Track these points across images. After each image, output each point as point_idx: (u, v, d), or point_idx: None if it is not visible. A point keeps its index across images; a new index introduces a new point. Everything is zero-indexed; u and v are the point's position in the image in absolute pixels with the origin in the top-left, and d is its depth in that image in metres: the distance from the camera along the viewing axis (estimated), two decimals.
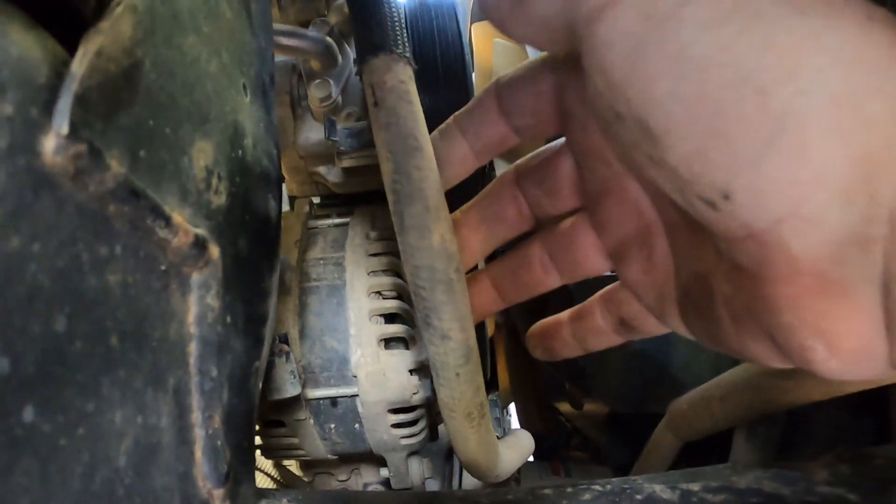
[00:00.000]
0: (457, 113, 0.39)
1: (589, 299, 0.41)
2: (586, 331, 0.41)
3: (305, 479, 0.89)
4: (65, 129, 0.20)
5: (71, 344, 0.21)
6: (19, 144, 0.19)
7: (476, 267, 0.51)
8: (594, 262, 0.38)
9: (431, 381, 0.71)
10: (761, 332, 0.25)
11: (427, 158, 0.37)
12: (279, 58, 0.79)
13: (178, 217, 0.27)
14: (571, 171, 0.37)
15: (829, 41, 0.20)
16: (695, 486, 0.41)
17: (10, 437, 0.19)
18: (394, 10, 0.43)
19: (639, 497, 0.40)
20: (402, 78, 0.39)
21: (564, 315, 0.42)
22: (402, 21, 0.42)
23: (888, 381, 0.22)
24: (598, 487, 0.41)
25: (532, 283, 0.41)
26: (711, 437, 0.65)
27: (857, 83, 0.19)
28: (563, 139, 0.38)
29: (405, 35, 0.41)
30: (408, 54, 0.40)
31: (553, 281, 0.41)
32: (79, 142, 0.20)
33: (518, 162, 0.41)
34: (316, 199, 0.89)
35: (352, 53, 0.80)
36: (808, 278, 0.22)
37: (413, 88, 0.39)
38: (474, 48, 1.09)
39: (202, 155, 0.31)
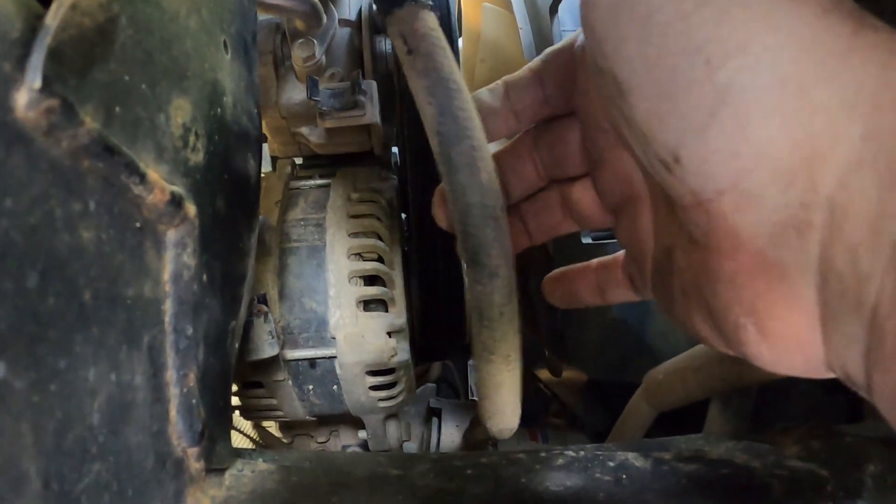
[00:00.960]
0: (506, 77, 0.40)
1: (614, 254, 0.43)
2: (609, 280, 0.42)
3: (284, 440, 0.89)
4: (37, 84, 0.19)
5: (43, 301, 0.21)
6: None
7: None
8: (598, 216, 0.40)
9: (409, 344, 0.72)
10: (704, 308, 0.26)
11: (468, 100, 0.38)
12: (263, 17, 0.78)
13: (153, 174, 0.27)
14: (578, 140, 0.39)
15: (785, 22, 0.20)
16: (667, 455, 0.41)
17: None
18: None
19: (611, 464, 0.40)
20: (431, 25, 0.39)
21: (592, 263, 0.44)
22: None
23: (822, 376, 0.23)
24: (571, 453, 0.41)
25: (553, 224, 0.43)
26: (687, 407, 0.66)
27: (808, 68, 0.20)
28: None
29: None
30: (431, 2, 0.40)
31: (568, 226, 0.43)
32: (52, 96, 0.20)
33: (532, 128, 0.42)
34: (298, 160, 0.89)
35: (335, 14, 0.79)
36: (748, 255, 0.22)
37: (443, 35, 0.39)
38: (463, 11, 1.08)
39: (180, 112, 0.31)
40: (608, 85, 0.25)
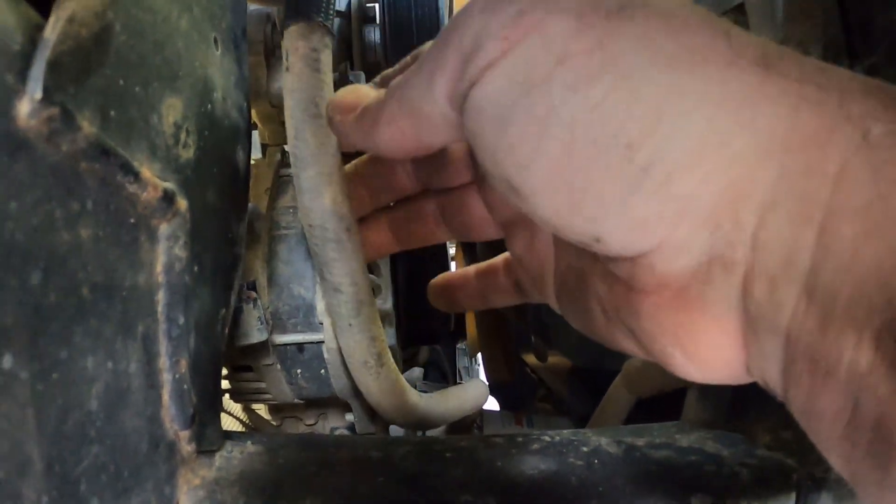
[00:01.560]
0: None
1: (495, 258, 0.43)
2: (489, 287, 0.43)
3: (274, 422, 0.91)
4: (38, 94, 0.21)
5: (45, 296, 0.23)
6: None
7: None
8: (485, 229, 0.40)
9: (395, 329, 0.73)
10: (629, 332, 0.27)
11: (325, 126, 0.39)
12: (253, 7, 0.79)
13: (146, 172, 0.29)
14: (464, 150, 0.39)
15: (694, 87, 0.21)
16: (639, 442, 0.43)
17: None
18: None
19: (585, 449, 0.42)
20: (315, 46, 0.40)
21: (471, 270, 0.44)
22: None
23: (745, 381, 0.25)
24: (547, 438, 0.43)
25: (424, 234, 0.43)
26: (668, 394, 0.68)
27: (723, 121, 0.20)
28: None
29: (332, 3, 0.42)
30: (329, 23, 0.41)
31: (444, 235, 0.43)
32: (52, 105, 0.22)
33: None
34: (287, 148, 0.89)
35: None
36: (670, 292, 0.23)
37: (325, 57, 0.40)
38: (454, 7, 1.09)
39: (171, 111, 0.32)
40: (502, 188, 0.25)
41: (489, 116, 0.23)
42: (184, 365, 0.33)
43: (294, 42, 0.40)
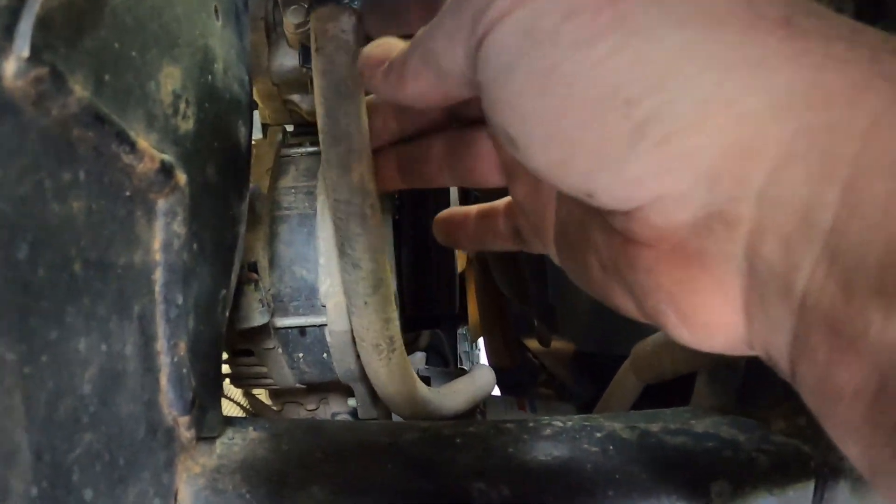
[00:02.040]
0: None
1: (496, 202, 0.42)
2: (488, 230, 0.42)
3: (274, 407, 0.90)
4: (26, 52, 0.19)
5: (34, 272, 0.21)
6: None
7: None
8: (488, 174, 0.39)
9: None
10: (625, 287, 0.26)
11: (356, 105, 0.40)
12: None
13: (143, 142, 0.27)
14: None
15: (706, 49, 0.20)
16: (654, 427, 0.42)
17: None
18: None
19: (598, 435, 0.40)
20: (344, 28, 0.40)
21: (473, 209, 0.43)
22: None
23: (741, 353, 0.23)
24: (559, 423, 0.42)
25: (427, 175, 0.42)
26: (675, 380, 0.66)
27: (734, 84, 0.19)
28: None
29: None
30: (356, 5, 0.40)
31: (445, 180, 0.42)
32: (40, 65, 0.20)
33: None
34: (289, 128, 0.88)
35: None
36: (668, 246, 0.23)
37: (353, 38, 0.40)
38: None
39: (170, 80, 0.31)
40: (501, 138, 0.24)
41: (494, 67, 0.23)
42: (182, 347, 0.31)
43: (323, 24, 0.40)
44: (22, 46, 0.19)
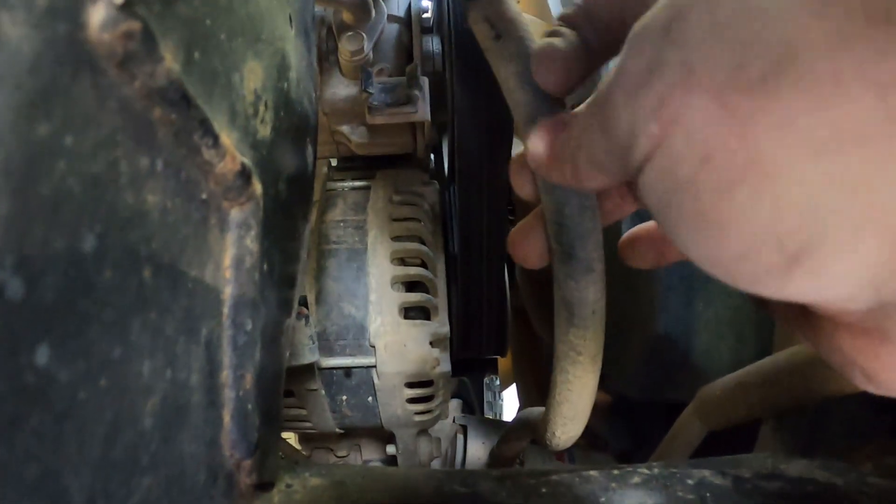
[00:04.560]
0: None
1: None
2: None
3: (304, 452, 0.85)
4: None
5: (99, 271, 0.17)
6: (61, 7, 0.14)
7: None
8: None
9: (450, 355, 0.68)
10: (805, 336, 0.26)
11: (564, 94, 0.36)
12: None
13: (226, 138, 0.23)
14: None
15: (850, 174, 0.19)
16: (746, 473, 0.40)
17: (19, 383, 0.15)
18: None
19: (690, 482, 0.37)
20: (517, 10, 0.38)
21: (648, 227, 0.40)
22: None
23: None
24: (645, 471, 0.39)
25: (610, 209, 0.39)
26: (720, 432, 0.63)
27: (883, 203, 0.19)
28: None
29: None
30: None
31: (627, 209, 0.39)
32: (132, 18, 0.16)
33: None
34: (333, 162, 0.86)
35: (385, 9, 0.77)
36: (845, 322, 0.23)
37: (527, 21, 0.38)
38: None
39: (253, 76, 0.27)
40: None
41: (649, 202, 0.23)
42: (249, 380, 0.27)
43: (498, 8, 0.37)
44: None
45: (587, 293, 0.36)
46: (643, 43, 0.23)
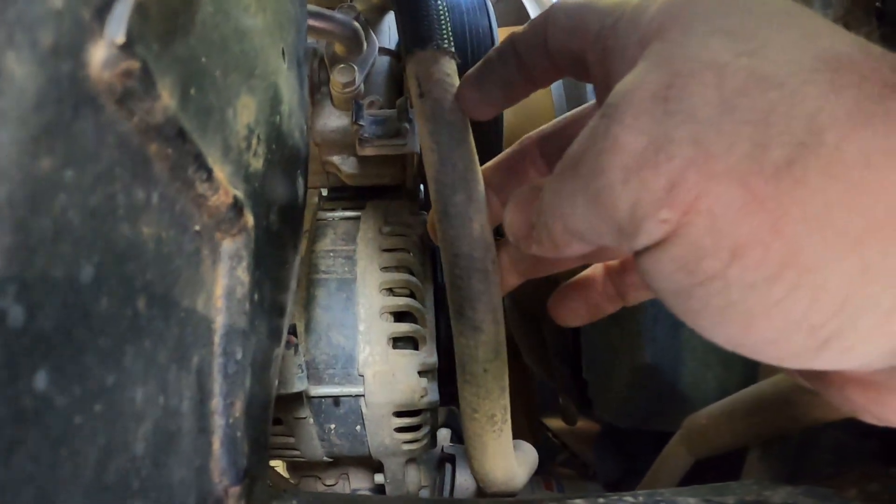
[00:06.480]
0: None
1: (591, 271, 0.40)
2: (630, 284, 0.38)
3: (292, 481, 0.85)
4: (121, 38, 0.16)
5: (96, 300, 0.18)
6: (65, 46, 0.15)
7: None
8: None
9: (438, 385, 0.68)
10: (809, 379, 0.26)
11: (470, 150, 0.38)
12: None
13: (219, 172, 0.24)
14: None
15: (884, 268, 0.19)
16: (730, 501, 0.40)
17: (18, 407, 0.15)
18: (440, 3, 0.43)
19: None
20: (447, 71, 0.39)
21: (599, 270, 0.40)
22: (447, 15, 0.42)
23: None
24: (630, 499, 0.39)
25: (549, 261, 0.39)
26: (707, 460, 0.64)
27: None
28: (584, 106, 0.38)
29: (450, 30, 0.41)
30: (453, 49, 0.40)
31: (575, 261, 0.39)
32: (132, 57, 0.17)
33: (543, 127, 0.40)
34: (324, 192, 0.86)
35: (376, 42, 0.78)
36: (855, 380, 0.23)
37: (457, 82, 0.39)
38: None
39: (246, 111, 0.28)
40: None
41: (660, 288, 0.22)
42: (238, 408, 0.28)
43: (427, 67, 0.39)
44: (116, 31, 0.16)
45: (477, 352, 0.37)
46: (638, 114, 0.21)
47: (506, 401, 0.41)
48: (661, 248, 0.21)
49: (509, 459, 0.43)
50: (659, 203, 0.20)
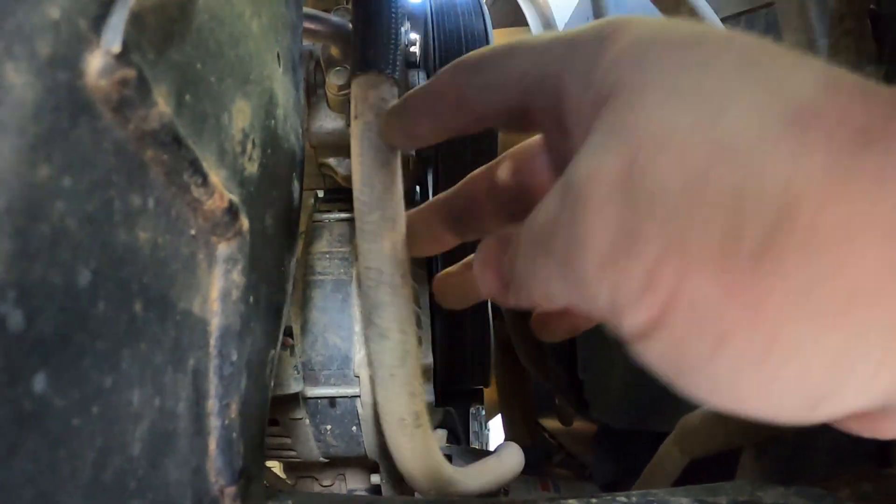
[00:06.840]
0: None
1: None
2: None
3: (288, 481, 0.85)
4: (117, 47, 0.17)
5: (93, 304, 0.18)
6: (62, 57, 0.16)
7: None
8: None
9: (434, 386, 0.69)
10: None
11: (392, 173, 0.40)
12: None
13: (214, 177, 0.24)
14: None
15: (868, 339, 0.18)
16: (723, 500, 0.40)
17: (18, 409, 0.16)
18: (393, 27, 0.44)
19: None
20: (384, 96, 0.41)
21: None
22: (400, 40, 0.44)
23: None
24: (623, 499, 0.39)
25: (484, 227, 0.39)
26: (702, 459, 0.64)
27: None
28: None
29: (398, 54, 0.43)
30: (396, 75, 0.42)
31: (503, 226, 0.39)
32: (128, 66, 0.17)
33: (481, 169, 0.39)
34: (320, 193, 0.87)
35: None
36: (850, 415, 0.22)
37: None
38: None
39: (241, 115, 0.28)
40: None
41: (658, 363, 0.22)
42: (234, 409, 0.28)
43: (364, 91, 0.41)
44: (112, 41, 0.17)
45: (384, 357, 0.40)
46: (603, 202, 0.20)
47: (416, 406, 0.42)
48: (646, 338, 0.21)
49: (430, 461, 0.44)
50: (637, 296, 0.20)
